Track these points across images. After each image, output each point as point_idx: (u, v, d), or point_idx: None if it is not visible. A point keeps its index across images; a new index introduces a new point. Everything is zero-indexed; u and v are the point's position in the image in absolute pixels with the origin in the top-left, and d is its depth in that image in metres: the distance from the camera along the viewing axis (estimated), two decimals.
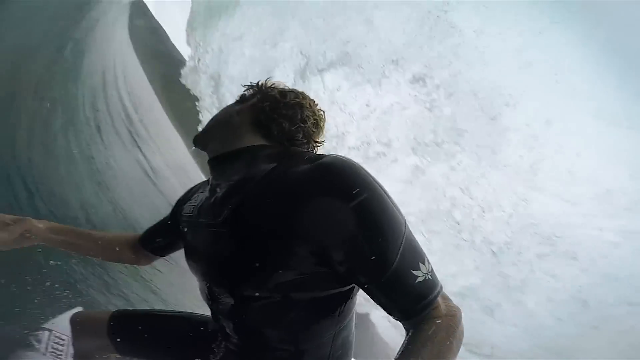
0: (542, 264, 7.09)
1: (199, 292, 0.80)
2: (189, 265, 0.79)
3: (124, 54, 6.25)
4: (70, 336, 0.91)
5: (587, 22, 7.29)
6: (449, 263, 6.92)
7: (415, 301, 0.58)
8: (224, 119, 0.78)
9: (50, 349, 0.87)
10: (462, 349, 0.59)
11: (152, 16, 8.74)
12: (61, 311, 1.03)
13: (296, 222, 0.59)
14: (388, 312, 0.61)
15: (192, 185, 0.94)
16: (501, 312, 7.00)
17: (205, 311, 0.86)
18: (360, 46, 7.32)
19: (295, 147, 0.74)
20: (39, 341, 0.89)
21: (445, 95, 7.28)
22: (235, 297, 0.68)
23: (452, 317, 0.59)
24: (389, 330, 5.72)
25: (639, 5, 7.01)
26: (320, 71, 7.26)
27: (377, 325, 5.93)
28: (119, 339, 0.89)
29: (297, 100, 0.75)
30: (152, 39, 8.49)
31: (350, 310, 0.72)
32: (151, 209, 3.73)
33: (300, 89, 0.79)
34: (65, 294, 1.60)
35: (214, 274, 0.71)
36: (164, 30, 9.06)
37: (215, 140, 0.77)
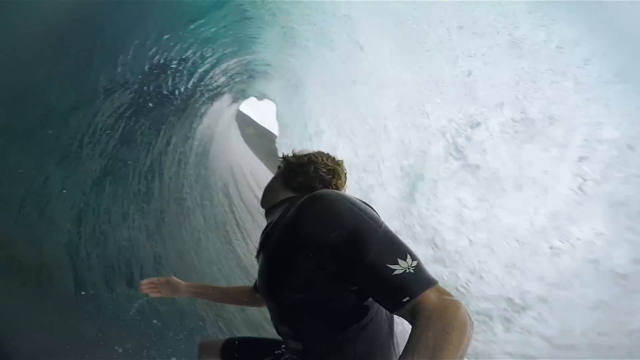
0: None
1: None
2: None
3: (243, 156, 7.32)
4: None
5: None
6: None
7: (394, 293, 0.65)
8: (268, 185, 1.10)
9: None
10: None
11: (258, 124, 10.36)
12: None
13: (295, 235, 0.77)
14: (381, 305, 0.71)
15: None
16: None
17: None
18: None
19: None
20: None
21: None
22: (275, 302, 0.90)
23: (446, 309, 0.61)
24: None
25: None
26: None
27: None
28: (227, 358, 1.26)
29: (309, 159, 1.02)
30: (263, 142, 9.92)
31: (368, 310, 0.83)
32: None
33: None
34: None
35: (261, 287, 0.92)
36: (270, 132, 10.56)
37: (265, 199, 1.09)
